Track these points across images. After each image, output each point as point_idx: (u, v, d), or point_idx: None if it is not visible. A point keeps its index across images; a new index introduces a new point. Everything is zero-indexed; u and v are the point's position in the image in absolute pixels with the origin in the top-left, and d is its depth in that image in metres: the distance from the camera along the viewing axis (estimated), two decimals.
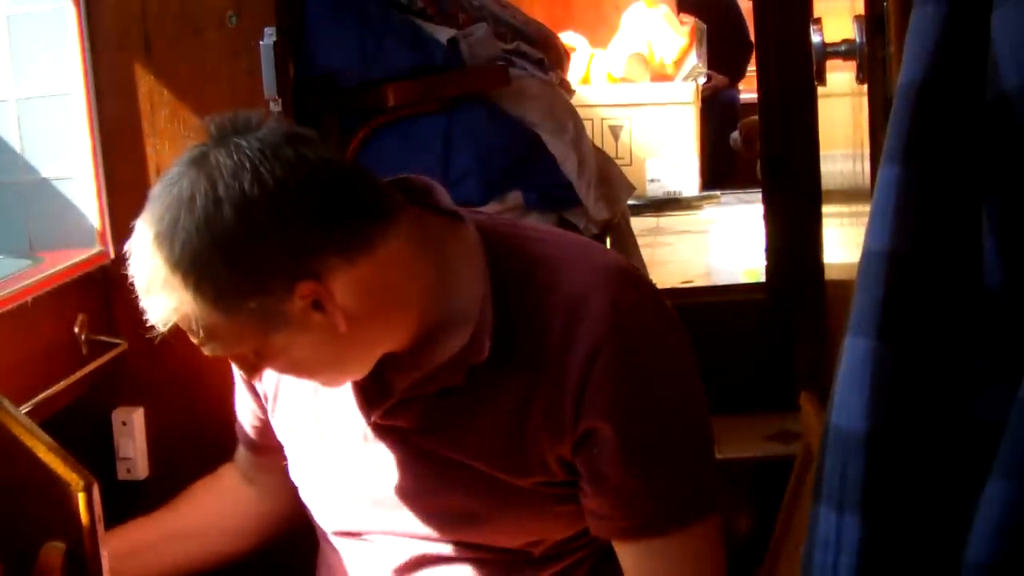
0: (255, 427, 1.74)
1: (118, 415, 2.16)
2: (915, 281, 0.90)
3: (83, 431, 2.12)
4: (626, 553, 1.49)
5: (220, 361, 2.10)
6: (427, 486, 1.51)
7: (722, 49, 6.83)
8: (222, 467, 1.86)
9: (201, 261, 1.32)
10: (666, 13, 6.88)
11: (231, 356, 1.44)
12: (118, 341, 2.13)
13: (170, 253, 1.33)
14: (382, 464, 1.53)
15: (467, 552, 1.54)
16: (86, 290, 2.08)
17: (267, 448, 1.72)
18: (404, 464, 1.52)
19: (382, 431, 1.52)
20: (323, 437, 1.59)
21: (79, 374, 2.03)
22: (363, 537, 1.59)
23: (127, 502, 2.15)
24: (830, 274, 2.45)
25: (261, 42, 2.04)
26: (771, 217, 3.41)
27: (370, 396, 1.52)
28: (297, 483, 1.66)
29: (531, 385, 1.44)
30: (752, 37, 6.85)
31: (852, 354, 0.93)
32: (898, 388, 0.91)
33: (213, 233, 1.32)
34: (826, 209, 2.51)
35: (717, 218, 6.10)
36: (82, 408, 2.08)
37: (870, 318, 0.92)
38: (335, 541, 1.64)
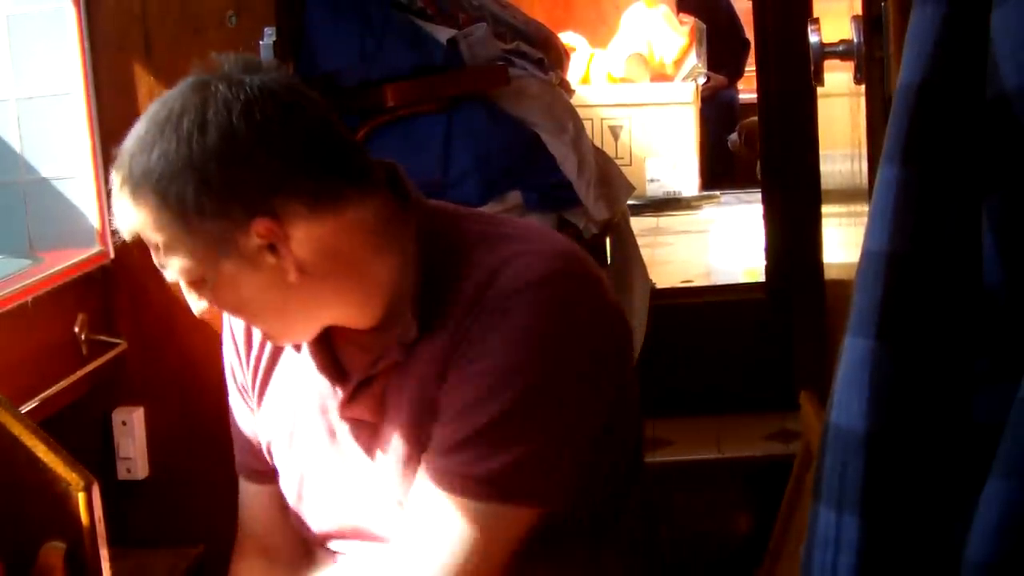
0: (252, 446, 1.69)
1: (118, 415, 2.16)
2: (914, 281, 0.91)
3: (83, 431, 2.12)
4: (415, 492, 1.46)
5: (220, 361, 2.11)
6: (387, 480, 1.51)
7: (718, 49, 6.83)
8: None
9: (173, 173, 1.38)
10: (666, 13, 6.88)
11: (186, 282, 1.46)
12: (118, 341, 2.13)
13: (147, 160, 1.39)
14: (348, 462, 1.54)
15: None
16: (86, 290, 2.08)
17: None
18: (368, 460, 1.52)
19: (346, 427, 1.53)
20: (295, 439, 1.59)
21: (79, 374, 2.03)
22: (343, 537, 1.58)
23: (127, 502, 2.15)
24: (829, 274, 2.45)
25: (261, 42, 2.04)
26: (770, 217, 3.42)
27: (334, 382, 1.53)
28: (283, 491, 1.64)
29: (440, 352, 1.44)
30: (746, 35, 6.89)
31: (851, 354, 0.93)
32: (898, 388, 0.91)
33: (191, 151, 1.38)
34: (825, 209, 2.51)
35: (717, 218, 6.10)
36: (82, 408, 2.08)
37: (869, 318, 0.92)
38: (326, 550, 1.62)
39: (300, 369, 1.57)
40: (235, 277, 1.42)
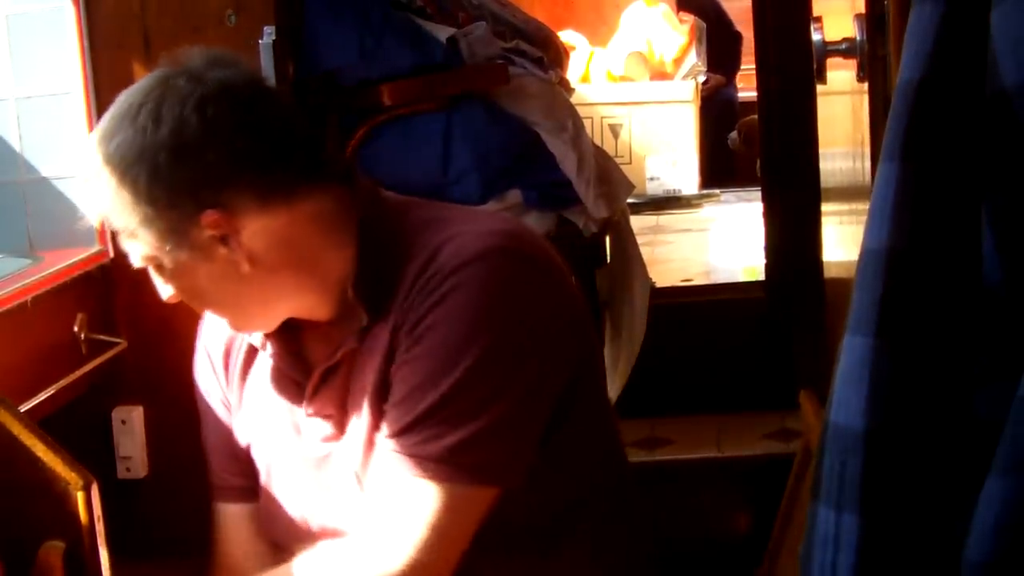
0: (238, 459, 1.66)
1: (117, 414, 2.16)
2: (914, 279, 0.90)
3: (82, 430, 2.12)
4: (370, 475, 1.47)
5: None
6: (351, 468, 1.51)
7: (712, 46, 6.83)
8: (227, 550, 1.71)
9: (127, 165, 1.43)
10: (665, 11, 6.87)
11: (148, 264, 1.50)
12: (118, 340, 2.13)
13: (105, 150, 1.44)
14: (313, 458, 1.54)
15: None
16: (86, 289, 2.08)
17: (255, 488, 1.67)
18: (333, 455, 1.52)
19: (313, 420, 1.54)
20: (265, 440, 1.60)
21: (79, 373, 2.03)
22: (310, 540, 1.55)
23: (127, 501, 2.15)
24: (829, 272, 2.45)
25: (260, 41, 2.04)
26: (770, 215, 3.42)
27: (299, 380, 1.54)
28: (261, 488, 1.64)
29: (388, 333, 1.46)
30: (736, 28, 6.88)
31: (851, 352, 0.93)
32: (897, 386, 0.91)
33: (144, 143, 1.42)
34: (825, 207, 2.51)
35: (717, 216, 6.10)
36: (81, 407, 2.08)
37: (869, 316, 0.92)
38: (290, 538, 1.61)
39: (267, 376, 1.59)
40: (188, 267, 1.47)
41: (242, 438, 1.64)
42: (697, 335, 3.31)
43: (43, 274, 1.98)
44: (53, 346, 2.00)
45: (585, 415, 1.53)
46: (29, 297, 1.91)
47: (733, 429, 3.15)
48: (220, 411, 1.67)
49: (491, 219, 1.59)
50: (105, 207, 1.47)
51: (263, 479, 1.62)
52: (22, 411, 1.65)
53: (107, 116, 1.47)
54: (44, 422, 1.73)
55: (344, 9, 2.32)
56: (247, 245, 1.45)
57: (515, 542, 1.50)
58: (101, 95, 2.10)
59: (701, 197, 6.35)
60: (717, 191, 6.42)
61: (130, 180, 1.43)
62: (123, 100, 1.47)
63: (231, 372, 1.64)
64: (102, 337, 2.10)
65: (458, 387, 1.41)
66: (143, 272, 2.12)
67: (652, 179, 6.28)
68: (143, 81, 1.48)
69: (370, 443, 1.48)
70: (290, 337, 1.56)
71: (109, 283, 2.13)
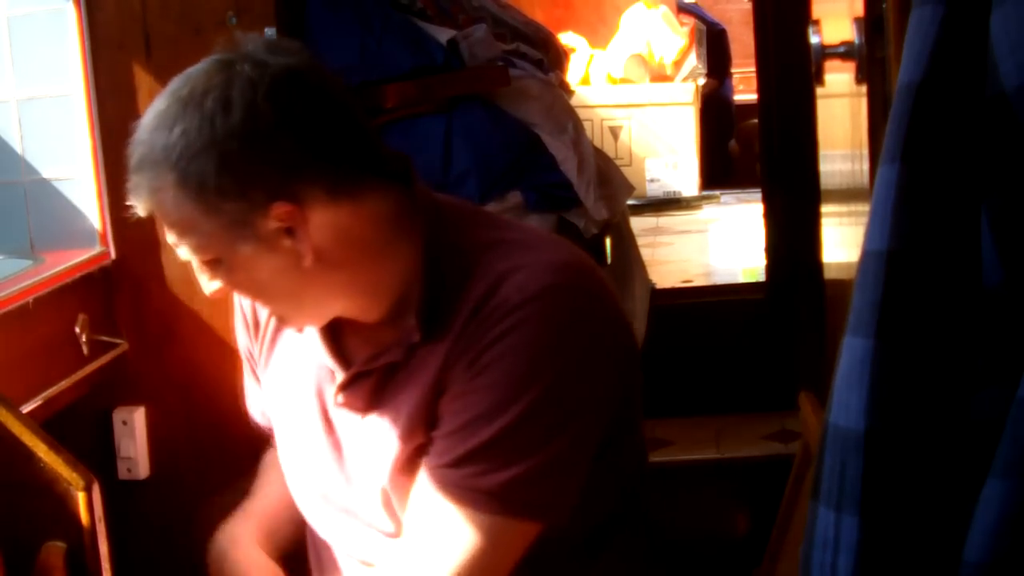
0: (263, 413, 1.73)
1: (119, 415, 2.16)
2: (913, 281, 0.91)
3: (84, 431, 2.12)
4: (417, 501, 1.45)
5: (221, 361, 2.12)
6: (373, 468, 1.51)
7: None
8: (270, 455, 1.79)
9: (193, 153, 1.37)
10: (665, 14, 6.88)
11: (199, 261, 1.45)
12: (119, 341, 2.13)
13: (167, 138, 1.38)
14: (340, 446, 1.54)
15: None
16: (87, 290, 2.08)
17: None
18: (358, 447, 1.52)
19: (341, 410, 1.53)
20: (291, 413, 1.60)
21: (80, 374, 2.03)
22: (330, 516, 1.59)
23: (128, 501, 2.15)
24: (829, 273, 2.45)
25: None
26: (770, 217, 3.42)
27: (333, 368, 1.53)
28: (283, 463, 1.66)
29: (443, 354, 1.44)
30: (720, 26, 6.89)
31: (850, 354, 0.93)
32: (896, 388, 0.91)
33: (213, 131, 1.36)
34: (825, 209, 2.51)
35: (717, 218, 6.10)
36: (83, 408, 2.08)
37: (868, 318, 0.92)
38: (309, 516, 1.64)
39: (302, 346, 1.57)
40: (251, 259, 1.41)
41: (266, 395, 1.65)
42: (697, 336, 3.32)
43: (44, 275, 1.99)
44: (54, 347, 2.00)
45: (627, 435, 1.54)
46: (31, 298, 1.91)
47: (733, 430, 3.15)
48: (247, 364, 1.69)
49: (553, 248, 1.53)
50: (160, 199, 1.40)
51: (285, 455, 1.62)
52: (24, 411, 1.65)
53: (162, 103, 1.41)
54: (46, 423, 1.73)
55: (345, 11, 2.32)
56: (313, 237, 1.40)
57: (555, 558, 1.49)
58: (102, 97, 2.11)
59: (701, 199, 6.36)
60: (717, 193, 6.42)
61: (196, 171, 1.37)
62: (180, 87, 1.40)
63: (262, 332, 1.64)
64: (103, 338, 2.10)
65: (515, 424, 1.40)
66: (145, 273, 2.13)
67: (652, 181, 6.29)
68: (200, 68, 1.42)
69: (396, 455, 1.46)
70: (331, 327, 1.53)
71: (110, 284, 2.13)
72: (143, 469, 2.17)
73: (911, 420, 0.91)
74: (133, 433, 2.15)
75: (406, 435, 1.46)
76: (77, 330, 2.04)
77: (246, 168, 1.37)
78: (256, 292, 1.47)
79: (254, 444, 1.82)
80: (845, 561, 0.93)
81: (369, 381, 1.50)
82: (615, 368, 1.49)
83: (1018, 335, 0.88)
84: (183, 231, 1.42)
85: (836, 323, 2.10)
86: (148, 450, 2.17)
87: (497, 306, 1.41)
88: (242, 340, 1.68)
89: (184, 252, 1.44)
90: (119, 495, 2.11)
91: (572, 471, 1.45)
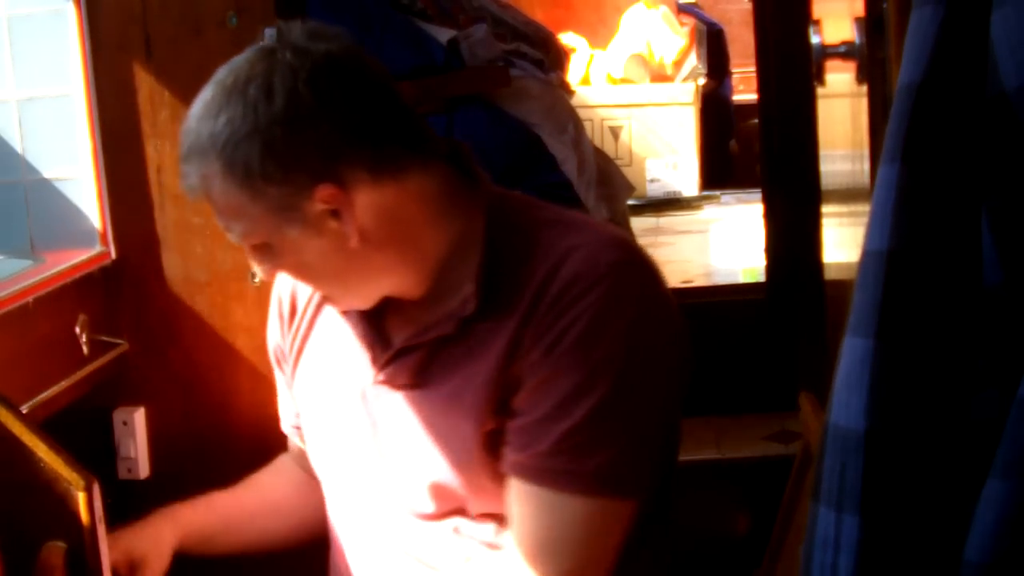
0: (296, 415, 1.75)
1: (119, 415, 2.16)
2: (914, 281, 0.91)
3: (84, 431, 2.12)
4: (517, 493, 1.46)
5: (221, 361, 2.12)
6: (411, 445, 1.52)
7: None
8: (279, 457, 1.87)
9: (238, 139, 1.41)
10: (665, 14, 6.88)
11: (248, 246, 1.49)
12: (119, 341, 2.13)
13: (213, 126, 1.42)
14: (380, 425, 1.55)
15: (450, 520, 1.53)
16: (87, 290, 2.08)
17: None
18: (399, 423, 1.53)
19: (381, 389, 1.55)
20: (328, 399, 1.62)
21: (80, 374, 2.03)
22: (365, 501, 1.60)
23: (128, 502, 2.15)
24: (829, 274, 2.46)
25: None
26: (771, 217, 3.42)
27: (373, 348, 1.55)
28: (311, 450, 1.69)
29: (510, 333, 1.45)
30: (717, 25, 6.89)
31: (851, 354, 0.93)
32: (897, 388, 0.91)
33: (256, 117, 1.40)
34: (825, 209, 2.51)
35: (717, 218, 6.11)
36: (83, 408, 2.08)
37: (869, 318, 0.92)
38: (336, 510, 1.66)
39: (337, 333, 1.59)
40: (297, 242, 1.45)
41: (296, 387, 1.68)
42: (697, 337, 3.30)
43: (45, 275, 1.98)
44: (55, 347, 2.00)
45: (679, 420, 1.57)
46: (31, 298, 1.91)
47: (733, 431, 3.16)
48: (278, 364, 1.73)
49: (603, 226, 1.58)
50: (209, 186, 1.44)
51: (321, 443, 1.64)
52: (24, 411, 1.65)
53: (208, 92, 1.45)
54: (46, 423, 1.73)
55: (345, 11, 2.32)
56: (359, 219, 1.44)
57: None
58: (102, 97, 2.10)
59: (701, 199, 6.36)
60: (717, 193, 6.43)
61: (241, 157, 1.41)
62: (224, 77, 1.44)
63: (296, 323, 1.66)
64: (104, 338, 2.10)
65: (606, 402, 1.42)
66: (145, 273, 2.13)
67: (652, 181, 6.29)
68: (243, 56, 1.46)
69: (446, 429, 1.48)
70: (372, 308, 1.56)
71: (111, 284, 2.13)
72: (143, 469, 2.17)
73: (911, 420, 0.91)
74: (133, 433, 2.15)
75: (468, 412, 1.47)
76: (77, 330, 2.04)
77: (289, 153, 1.41)
78: (305, 274, 1.51)
79: (254, 444, 1.82)
80: (846, 561, 0.93)
81: (414, 357, 1.51)
82: (681, 340, 1.53)
83: (1018, 335, 0.88)
84: (232, 216, 1.46)
85: (836, 323, 2.10)
86: (148, 450, 2.17)
87: (568, 285, 1.43)
88: (273, 337, 1.71)
89: (234, 237, 1.48)
90: (119, 495, 2.11)
91: (655, 447, 1.49)
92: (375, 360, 1.55)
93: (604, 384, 1.41)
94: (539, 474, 1.44)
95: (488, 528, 1.51)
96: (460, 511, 1.52)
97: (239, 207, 1.44)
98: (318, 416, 1.65)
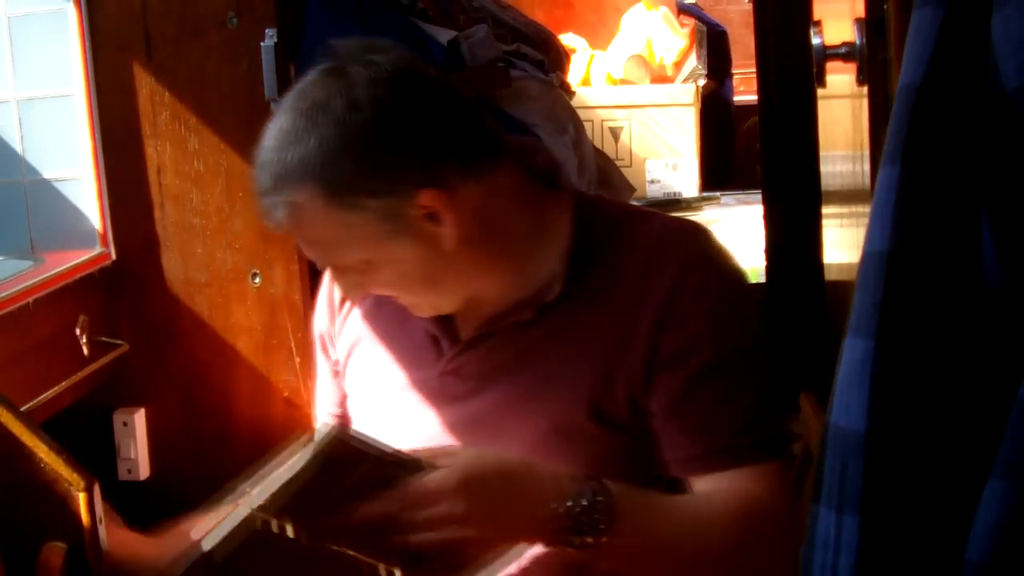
0: (336, 402, 1.73)
1: (119, 416, 2.16)
2: (914, 282, 0.91)
3: (84, 432, 2.12)
4: (702, 485, 1.50)
5: (221, 362, 2.12)
6: (492, 432, 1.52)
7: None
8: None
9: (334, 157, 1.39)
10: (665, 15, 6.87)
11: (338, 269, 1.48)
12: (119, 342, 2.13)
13: (305, 149, 1.39)
14: (449, 413, 1.55)
15: None
16: (87, 291, 2.08)
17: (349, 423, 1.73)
18: (467, 411, 1.54)
19: (449, 378, 1.55)
20: (392, 392, 1.60)
21: (80, 375, 2.03)
22: None
23: (128, 503, 2.15)
24: (830, 275, 2.46)
25: (262, 43, 2.04)
26: (771, 218, 3.41)
27: (436, 339, 1.56)
28: None
29: (606, 322, 1.48)
30: (720, 27, 6.89)
31: (851, 354, 0.93)
32: (898, 389, 0.91)
33: (349, 131, 1.39)
34: (826, 210, 2.51)
35: (717, 219, 6.10)
36: (83, 409, 2.08)
37: (870, 318, 0.92)
38: None
39: (394, 323, 1.59)
40: (397, 253, 1.44)
41: (348, 375, 1.66)
42: None
43: (45, 276, 1.99)
44: (55, 348, 2.00)
45: None
46: (31, 299, 1.91)
47: None
48: (321, 350, 1.71)
49: (677, 217, 1.65)
50: (304, 215, 1.42)
51: (365, 416, 1.64)
52: (24, 412, 1.65)
53: (284, 122, 1.42)
54: (46, 423, 1.73)
55: (345, 12, 2.32)
56: (456, 221, 1.44)
57: None
58: (102, 97, 2.11)
59: (701, 200, 6.35)
60: (717, 194, 6.42)
61: (341, 174, 1.39)
62: (299, 101, 1.42)
63: (347, 308, 1.65)
64: (104, 339, 2.10)
65: (755, 372, 1.50)
66: (145, 274, 2.13)
67: (652, 182, 6.28)
68: (311, 80, 1.44)
69: (520, 413, 1.49)
70: None
71: (111, 285, 2.13)
72: (143, 470, 2.17)
73: (912, 421, 0.91)
74: (133, 434, 2.15)
75: (550, 400, 1.49)
76: (77, 331, 2.04)
77: (388, 161, 1.41)
78: (399, 286, 1.50)
79: (254, 445, 1.82)
80: (846, 562, 0.93)
81: (487, 346, 1.52)
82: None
83: (1019, 336, 0.88)
84: (330, 239, 1.44)
85: (836, 324, 2.10)
86: (148, 451, 2.17)
87: (665, 277, 1.47)
88: (320, 322, 1.69)
89: (326, 261, 1.47)
90: (119, 496, 2.11)
91: (777, 404, 1.56)
92: (439, 351, 1.55)
93: (746, 355, 1.50)
94: (737, 455, 1.48)
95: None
96: None
97: (340, 228, 1.42)
98: (372, 406, 1.64)
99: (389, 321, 1.61)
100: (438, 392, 1.56)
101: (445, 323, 1.55)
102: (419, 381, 1.57)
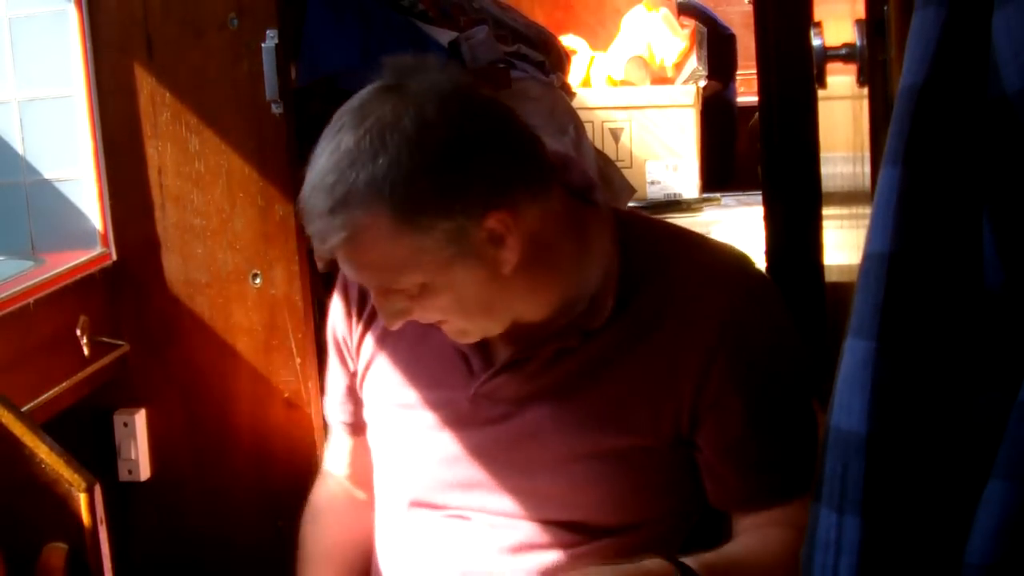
0: (350, 409, 1.70)
1: (120, 416, 2.16)
2: (915, 283, 0.91)
3: (85, 432, 2.12)
4: (749, 522, 1.50)
5: (222, 363, 2.11)
6: (524, 457, 1.50)
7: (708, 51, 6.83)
8: (322, 501, 1.77)
9: (407, 177, 1.34)
10: (666, 16, 6.87)
11: (389, 293, 1.42)
12: (120, 343, 2.13)
13: (372, 170, 1.34)
14: (479, 435, 1.53)
15: (561, 532, 1.51)
16: (88, 291, 2.08)
17: (361, 427, 1.70)
18: (500, 435, 1.52)
19: (481, 400, 1.52)
20: (417, 407, 1.57)
21: (81, 375, 2.03)
22: (452, 512, 1.57)
23: (129, 503, 2.15)
24: (830, 276, 2.45)
25: (263, 44, 2.04)
26: (771, 219, 3.41)
27: (469, 360, 1.53)
28: (378, 453, 1.65)
29: (652, 355, 1.46)
30: (729, 30, 6.89)
31: (852, 356, 0.93)
32: (898, 390, 0.91)
33: (423, 150, 1.34)
34: (826, 211, 2.51)
35: (717, 220, 6.10)
36: (84, 409, 2.08)
37: (870, 320, 0.92)
38: (415, 514, 1.61)
39: (420, 340, 1.55)
40: (459, 276, 1.40)
41: (367, 388, 1.63)
42: None
43: (45, 276, 1.98)
44: (55, 348, 2.00)
45: None
46: (31, 299, 1.91)
47: None
48: (336, 351, 1.67)
49: (719, 243, 1.62)
50: (366, 235, 1.36)
51: (382, 430, 1.61)
52: (24, 412, 1.65)
53: (347, 141, 1.36)
54: (46, 424, 1.73)
55: (346, 13, 2.32)
56: (517, 245, 1.41)
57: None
58: (103, 98, 2.11)
59: (702, 201, 6.35)
60: (718, 195, 6.42)
61: (413, 195, 1.35)
62: (359, 120, 1.37)
63: (366, 315, 1.61)
64: (104, 339, 2.10)
65: (801, 416, 1.51)
66: (146, 275, 2.13)
67: (653, 183, 6.28)
68: (368, 97, 1.39)
69: (592, 452, 1.48)
70: None
71: (111, 285, 2.13)
72: (144, 471, 2.17)
73: (913, 422, 0.91)
74: (134, 434, 2.15)
75: (591, 421, 1.47)
76: (78, 331, 2.04)
77: (462, 182, 1.36)
78: (454, 311, 1.45)
79: (254, 445, 1.82)
80: (847, 562, 0.93)
81: (526, 370, 1.50)
82: None
83: (1019, 337, 0.88)
84: (390, 263, 1.39)
85: (837, 325, 2.10)
86: (149, 452, 2.17)
87: (714, 309, 1.45)
88: (339, 327, 1.65)
89: (380, 284, 1.42)
90: (120, 497, 2.11)
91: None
92: (470, 371, 1.52)
93: (796, 390, 1.50)
94: (788, 492, 1.48)
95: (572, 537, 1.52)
96: (564, 526, 1.52)
97: (405, 250, 1.37)
98: (392, 421, 1.61)
99: (411, 336, 1.56)
100: (469, 413, 1.53)
101: (478, 343, 1.52)
102: (447, 400, 1.54)
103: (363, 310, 1.62)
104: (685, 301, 1.46)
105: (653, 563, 1.38)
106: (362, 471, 1.71)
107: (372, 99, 1.39)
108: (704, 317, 1.45)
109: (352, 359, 1.66)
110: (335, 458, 1.76)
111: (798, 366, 1.52)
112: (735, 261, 1.53)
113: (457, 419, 1.54)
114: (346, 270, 1.44)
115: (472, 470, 1.54)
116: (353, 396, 1.68)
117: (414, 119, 1.34)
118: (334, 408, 1.72)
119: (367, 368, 1.63)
